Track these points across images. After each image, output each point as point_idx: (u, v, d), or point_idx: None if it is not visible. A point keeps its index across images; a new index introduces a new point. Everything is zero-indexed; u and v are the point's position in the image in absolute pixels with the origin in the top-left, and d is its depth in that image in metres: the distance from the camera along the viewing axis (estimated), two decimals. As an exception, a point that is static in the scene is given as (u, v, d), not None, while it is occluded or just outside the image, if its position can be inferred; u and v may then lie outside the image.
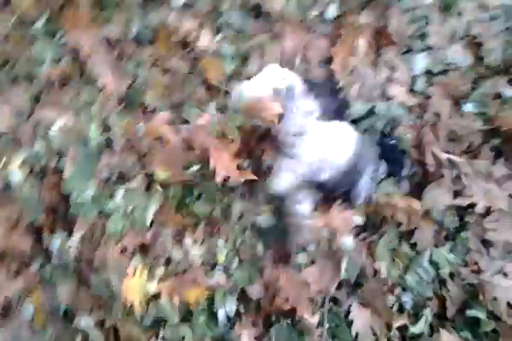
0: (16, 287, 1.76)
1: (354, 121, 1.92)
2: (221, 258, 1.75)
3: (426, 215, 1.81)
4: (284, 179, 1.68)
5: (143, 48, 1.97)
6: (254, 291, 1.71)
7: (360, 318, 1.68)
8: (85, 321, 1.73)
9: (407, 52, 2.10)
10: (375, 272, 1.74)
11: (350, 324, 1.67)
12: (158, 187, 1.76)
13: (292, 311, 1.67)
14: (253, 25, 2.05)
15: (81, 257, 1.70)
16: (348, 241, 1.67)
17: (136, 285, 1.64)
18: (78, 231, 1.71)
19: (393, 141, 1.89)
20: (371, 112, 1.95)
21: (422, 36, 2.12)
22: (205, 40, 1.97)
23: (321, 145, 1.69)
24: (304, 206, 1.74)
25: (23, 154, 1.79)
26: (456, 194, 1.87)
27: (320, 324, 1.66)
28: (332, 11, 2.09)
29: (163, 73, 1.94)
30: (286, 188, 1.70)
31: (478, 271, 1.76)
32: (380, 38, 2.08)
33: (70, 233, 1.72)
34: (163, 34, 1.95)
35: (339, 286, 1.72)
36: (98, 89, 1.88)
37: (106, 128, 1.82)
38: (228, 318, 1.69)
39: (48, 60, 1.93)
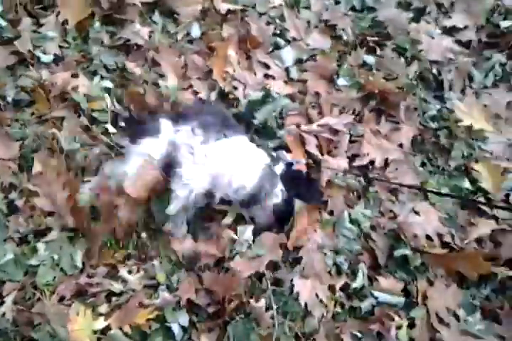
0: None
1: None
2: (161, 277, 1.66)
3: (330, 184, 1.79)
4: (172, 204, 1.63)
5: (24, 110, 1.88)
6: (201, 298, 1.63)
7: (305, 289, 1.63)
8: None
9: (274, 49, 2.13)
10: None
11: (296, 298, 1.62)
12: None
13: (241, 305, 1.60)
14: (128, 60, 2.02)
15: (18, 319, 1.56)
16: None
17: (82, 327, 1.52)
18: (8, 295, 1.58)
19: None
20: (263, 101, 1.92)
21: (282, 32, 2.17)
22: (85, 86, 1.90)
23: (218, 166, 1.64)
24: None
25: None
26: (354, 156, 1.89)
27: (269, 307, 1.60)
28: (195, 30, 2.11)
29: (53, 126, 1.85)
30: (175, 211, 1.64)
31: (395, 217, 1.78)
32: (246, 44, 2.09)
33: (0, 299, 1.58)
34: (40, 92, 1.86)
35: (277, 267, 1.67)
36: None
37: (7, 192, 1.72)
38: (184, 331, 1.59)
39: None
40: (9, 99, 1.85)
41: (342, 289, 1.65)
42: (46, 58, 1.96)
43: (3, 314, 1.54)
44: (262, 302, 1.55)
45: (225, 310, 1.56)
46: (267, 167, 1.68)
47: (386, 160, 1.88)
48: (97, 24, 2.06)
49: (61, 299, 1.58)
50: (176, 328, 1.55)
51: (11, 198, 1.69)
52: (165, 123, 1.68)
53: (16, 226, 1.65)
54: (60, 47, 2.00)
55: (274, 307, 1.59)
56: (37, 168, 1.73)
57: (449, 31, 2.23)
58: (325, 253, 1.69)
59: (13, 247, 1.63)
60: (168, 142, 1.66)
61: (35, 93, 1.86)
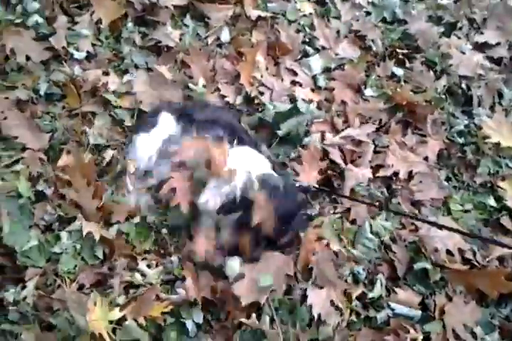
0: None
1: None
2: (179, 273, 1.71)
3: (352, 193, 1.84)
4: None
5: (55, 103, 1.96)
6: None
7: (319, 298, 1.64)
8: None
9: (303, 56, 2.19)
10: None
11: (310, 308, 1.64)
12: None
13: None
14: (158, 61, 2.09)
15: (39, 304, 1.62)
16: None
17: (99, 316, 1.55)
18: (30, 280, 1.63)
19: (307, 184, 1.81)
20: (290, 114, 1.94)
21: (312, 41, 2.23)
22: (115, 84, 1.99)
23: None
24: None
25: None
26: (378, 167, 1.92)
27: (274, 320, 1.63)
28: (225, 35, 2.18)
29: (82, 121, 1.93)
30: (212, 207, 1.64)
31: (416, 230, 1.79)
32: (275, 50, 2.16)
33: (22, 283, 1.63)
34: (72, 87, 1.93)
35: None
36: (19, 149, 1.82)
37: (35, 181, 1.78)
38: (198, 327, 1.63)
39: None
40: (42, 92, 1.92)
41: (359, 298, 1.67)
42: (79, 55, 2.02)
43: (25, 298, 1.59)
44: (268, 316, 1.60)
45: (238, 311, 1.60)
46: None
47: (410, 172, 1.91)
48: (130, 24, 2.13)
49: (80, 287, 1.62)
50: (190, 324, 1.59)
51: (38, 187, 1.74)
52: (165, 117, 1.76)
53: (42, 213, 1.70)
54: (93, 45, 2.07)
55: (277, 319, 1.62)
56: (64, 160, 1.79)
57: (481, 47, 2.27)
58: (340, 264, 1.72)
59: (37, 234, 1.67)
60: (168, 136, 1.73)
61: (67, 88, 1.94)
